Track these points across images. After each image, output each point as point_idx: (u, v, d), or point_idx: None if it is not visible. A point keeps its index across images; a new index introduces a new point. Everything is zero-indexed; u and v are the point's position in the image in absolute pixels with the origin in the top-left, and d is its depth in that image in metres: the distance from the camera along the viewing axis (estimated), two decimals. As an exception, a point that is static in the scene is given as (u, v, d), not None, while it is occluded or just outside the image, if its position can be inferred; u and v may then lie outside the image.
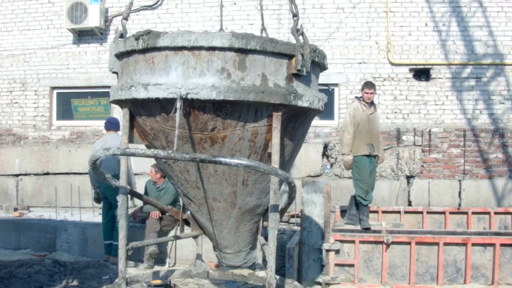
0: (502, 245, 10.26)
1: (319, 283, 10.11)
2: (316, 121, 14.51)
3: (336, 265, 10.30)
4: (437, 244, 10.19)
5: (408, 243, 10.20)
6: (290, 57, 5.27)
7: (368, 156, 10.81)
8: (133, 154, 4.90)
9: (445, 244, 10.21)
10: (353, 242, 10.27)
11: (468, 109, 14.60)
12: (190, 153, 5.13)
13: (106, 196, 11.36)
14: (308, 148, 14.25)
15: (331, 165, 14.41)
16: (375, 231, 10.67)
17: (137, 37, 5.24)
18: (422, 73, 14.89)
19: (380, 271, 10.27)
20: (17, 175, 16.06)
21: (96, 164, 5.59)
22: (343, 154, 11.06)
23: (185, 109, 5.15)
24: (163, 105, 5.22)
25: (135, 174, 14.24)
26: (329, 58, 14.05)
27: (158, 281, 9.43)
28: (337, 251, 10.26)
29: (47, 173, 15.81)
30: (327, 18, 14.94)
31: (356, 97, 11.33)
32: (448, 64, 14.69)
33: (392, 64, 14.79)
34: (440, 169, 14.33)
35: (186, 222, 7.30)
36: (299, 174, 13.92)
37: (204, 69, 5.06)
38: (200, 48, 5.01)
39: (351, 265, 10.31)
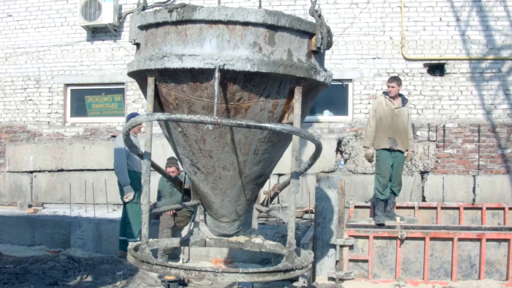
0: (517, 240, 10.23)
1: (333, 279, 10.10)
2: (330, 117, 14.56)
3: (350, 260, 10.30)
4: (451, 239, 10.16)
5: (423, 239, 10.18)
6: (310, 35, 5.61)
7: (389, 150, 10.78)
8: (180, 120, 5.19)
9: (460, 239, 10.18)
10: (367, 237, 10.26)
11: (483, 104, 14.52)
12: (236, 119, 5.36)
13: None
14: (322, 144, 14.16)
15: (345, 160, 14.36)
16: (389, 227, 10.64)
17: (170, 10, 5.38)
18: (436, 68, 14.81)
19: (394, 266, 10.25)
20: (31, 172, 16.09)
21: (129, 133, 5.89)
22: (364, 147, 11.12)
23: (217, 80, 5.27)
24: (195, 75, 5.37)
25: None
26: (343, 54, 14.22)
27: (172, 277, 9.49)
28: (351, 247, 10.26)
29: (61, 170, 15.83)
30: (341, 14, 14.88)
31: (383, 92, 11.36)
32: (462, 59, 14.61)
33: (406, 59, 14.72)
34: (454, 165, 14.25)
35: (186, 192, 7.25)
36: (313, 170, 13.83)
37: (238, 42, 5.27)
38: (235, 22, 5.24)
39: (365, 261, 10.30)
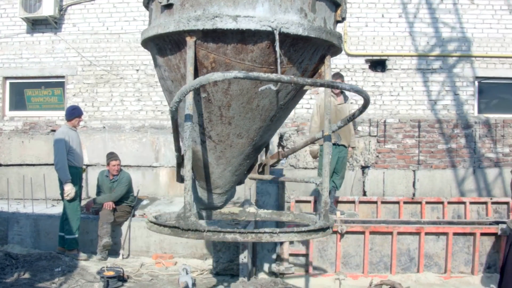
0: (455, 234, 10.36)
1: (274, 273, 10.09)
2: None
3: (291, 255, 10.30)
4: (390, 233, 10.25)
5: (362, 233, 10.24)
6: (337, 6, 5.93)
7: (333, 145, 10.83)
8: (257, 78, 5.05)
9: (399, 233, 10.27)
10: (308, 232, 10.25)
11: (423, 100, 14.69)
12: (311, 78, 5.74)
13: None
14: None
15: (287, 155, 14.36)
16: (329, 221, 10.68)
17: None
18: (378, 64, 14.93)
19: (334, 260, 10.29)
20: (-32, 167, 15.77)
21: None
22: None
23: (267, 42, 5.41)
24: (244, 38, 5.39)
25: (88, 165, 14.14)
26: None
27: (111, 273, 9.38)
28: (291, 241, 10.25)
29: None
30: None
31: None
32: (403, 55, 14.75)
33: (349, 55, 14.79)
34: (395, 159, 14.39)
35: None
36: (255, 164, 13.86)
37: (288, 7, 5.42)
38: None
39: (306, 255, 10.32)
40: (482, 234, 10.35)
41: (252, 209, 7.51)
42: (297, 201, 12.58)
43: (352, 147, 11.66)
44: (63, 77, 15.63)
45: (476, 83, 14.84)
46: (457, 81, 14.69)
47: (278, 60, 5.25)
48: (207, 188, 7.04)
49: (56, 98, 15.96)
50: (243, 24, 5.25)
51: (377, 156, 14.30)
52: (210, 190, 7.05)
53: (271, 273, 10.14)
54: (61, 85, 15.74)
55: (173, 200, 13.55)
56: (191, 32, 5.40)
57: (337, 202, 11.97)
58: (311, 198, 12.63)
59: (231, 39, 5.43)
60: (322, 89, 12.99)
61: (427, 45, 14.70)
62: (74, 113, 11.20)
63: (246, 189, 13.30)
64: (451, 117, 14.57)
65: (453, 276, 10.28)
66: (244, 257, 9.71)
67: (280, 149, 14.34)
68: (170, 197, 13.97)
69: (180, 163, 6.59)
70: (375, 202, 12.70)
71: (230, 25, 5.25)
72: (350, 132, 11.28)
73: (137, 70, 15.08)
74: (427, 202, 12.73)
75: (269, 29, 5.26)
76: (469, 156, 14.43)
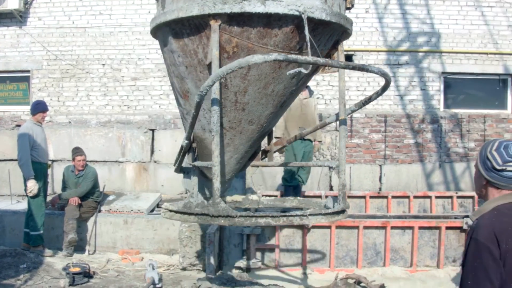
0: (420, 228, 10.45)
1: (241, 268, 10.10)
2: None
3: (257, 249, 10.33)
4: (357, 227, 10.30)
5: (329, 227, 10.28)
6: None
7: (299, 139, 10.84)
8: (295, 61, 5.03)
9: (365, 227, 10.33)
10: (274, 226, 10.26)
11: (389, 95, 14.74)
12: (343, 61, 5.83)
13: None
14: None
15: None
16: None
17: None
18: (345, 59, 14.92)
19: (301, 255, 10.31)
20: None
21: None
22: (276, 138, 11.11)
23: (292, 27, 5.47)
24: (269, 22, 5.40)
25: (54, 161, 14.02)
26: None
27: (77, 269, 9.31)
28: (258, 236, 10.26)
29: (-36, 160, 15.37)
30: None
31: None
32: (370, 51, 14.80)
33: (315, 50, 14.79)
34: (361, 154, 14.44)
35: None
36: (222, 159, 13.85)
37: None
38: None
39: (272, 250, 10.35)
40: (448, 228, 10.46)
41: (254, 196, 7.58)
42: (263, 195, 12.55)
43: (319, 141, 11.69)
44: (28, 71, 15.44)
45: (443, 78, 14.94)
46: (423, 76, 14.77)
47: (309, 44, 5.19)
48: (210, 176, 6.80)
49: (21, 92, 15.77)
50: (272, 8, 5.25)
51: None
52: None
53: (238, 268, 10.14)
54: (26, 79, 15.55)
55: (140, 195, 13.46)
56: (216, 16, 5.35)
57: (303, 196, 11.97)
58: (278, 193, 12.63)
59: (257, 23, 5.43)
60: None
61: (394, 40, 14.77)
62: (38, 108, 11.09)
63: (248, 177, 13.30)
64: (417, 112, 14.65)
65: (418, 269, 10.38)
66: (211, 252, 9.70)
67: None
68: (137, 192, 13.89)
69: (185, 152, 6.58)
70: (342, 197, 12.74)
71: (258, 8, 5.24)
72: (315, 126, 11.31)
73: (103, 64, 14.96)
74: (393, 197, 12.80)
75: (297, 13, 5.28)
76: (436, 151, 14.53)
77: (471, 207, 12.54)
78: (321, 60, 5.10)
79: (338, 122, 6.41)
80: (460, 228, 10.46)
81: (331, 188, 14.06)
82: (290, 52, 5.59)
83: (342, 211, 6.13)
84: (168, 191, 14.05)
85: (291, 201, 7.67)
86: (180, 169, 6.97)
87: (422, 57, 14.80)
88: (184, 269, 10.46)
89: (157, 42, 13.57)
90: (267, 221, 5.63)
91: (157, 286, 8.95)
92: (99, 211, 12.15)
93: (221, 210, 5.50)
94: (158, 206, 13.29)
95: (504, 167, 3.47)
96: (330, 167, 6.90)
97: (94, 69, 15.00)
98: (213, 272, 9.60)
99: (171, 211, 6.14)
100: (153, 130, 14.37)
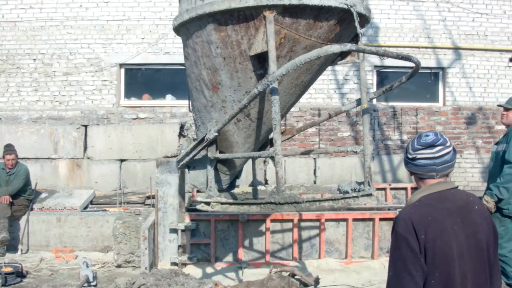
0: (354, 220, 10.54)
1: (176, 264, 10.04)
2: (172, 101, 14.47)
3: (192, 244, 10.28)
4: (291, 220, 10.32)
5: (263, 221, 10.28)
6: None
7: None
8: (363, 51, 5.74)
9: (299, 220, 10.35)
10: (208, 221, 10.24)
11: (323, 89, 14.83)
12: (390, 51, 6.02)
13: None
14: (164, 129, 14.09)
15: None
16: (230, 210, 10.70)
17: None
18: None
19: (236, 249, 10.30)
20: None
21: None
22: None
23: (335, 20, 5.86)
24: (318, 14, 5.69)
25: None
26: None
27: (9, 269, 9.13)
28: (192, 231, 10.22)
29: None
30: None
31: None
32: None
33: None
34: (295, 148, 14.51)
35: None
36: (156, 155, 13.75)
37: None
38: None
39: (207, 244, 10.30)
40: (381, 219, 10.58)
41: (262, 187, 7.87)
42: (198, 191, 12.53)
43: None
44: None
45: (375, 71, 15.10)
46: (356, 70, 14.90)
47: (360, 36, 5.77)
48: (223, 170, 7.26)
49: None
50: (325, 1, 5.54)
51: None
52: (226, 171, 7.31)
53: (174, 264, 10.08)
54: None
55: (73, 192, 13.30)
56: (272, 7, 5.50)
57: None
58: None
59: (308, 15, 5.67)
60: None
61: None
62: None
63: (147, 179, 13.23)
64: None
65: (353, 261, 10.46)
66: (145, 248, 9.63)
67: (181, 139, 14.26)
68: (70, 189, 13.69)
69: (208, 145, 6.68)
70: (277, 190, 12.76)
71: (314, 1, 5.50)
72: None
73: (34, 59, 14.66)
74: (327, 189, 12.88)
75: (345, 6, 5.65)
76: (369, 143, 14.66)
77: (405, 199, 12.70)
78: (381, 50, 5.92)
79: (361, 110, 6.64)
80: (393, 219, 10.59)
81: (266, 182, 14.07)
82: (327, 43, 5.86)
83: (368, 194, 6.23)
84: (102, 188, 13.89)
85: (298, 189, 7.80)
86: (185, 164, 7.18)
87: (359, 53, 14.89)
88: (119, 266, 10.37)
89: (89, 35, 13.39)
90: (330, 205, 5.99)
91: (92, 284, 8.85)
92: (32, 209, 11.97)
93: (287, 197, 5.66)
94: (91, 203, 13.16)
95: (414, 155, 3.57)
96: (354, 152, 7.08)
97: (25, 64, 14.69)
98: (148, 268, 9.52)
99: (222, 203, 6.15)
100: (86, 126, 14.16)
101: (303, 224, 10.45)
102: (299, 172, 14.25)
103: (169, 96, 14.85)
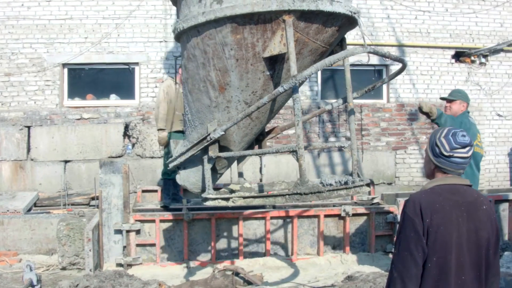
0: (299, 217, 10.59)
1: (121, 265, 9.98)
2: (116, 101, 14.35)
3: (138, 245, 10.23)
4: (236, 219, 10.33)
5: (208, 220, 10.28)
6: None
7: (182, 132, 10.77)
8: (375, 53, 6.32)
9: (244, 218, 10.38)
10: (153, 221, 10.21)
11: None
12: (387, 52, 6.66)
13: None
14: (109, 129, 13.97)
15: (133, 145, 14.19)
16: (175, 209, 10.67)
17: None
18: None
19: (182, 249, 10.27)
20: None
21: None
22: (158, 130, 11.04)
23: (338, 25, 6.41)
24: (327, 20, 6.18)
25: None
26: (129, 37, 13.98)
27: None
28: (137, 231, 10.18)
29: None
30: (127, -4, 14.69)
31: (169, 76, 11.31)
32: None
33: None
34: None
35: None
36: (100, 155, 13.63)
37: None
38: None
39: (153, 245, 10.27)
40: (326, 215, 10.64)
41: (247, 184, 7.90)
42: (143, 191, 12.50)
43: None
44: None
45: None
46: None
47: (365, 39, 6.43)
48: (218, 168, 7.49)
49: None
50: (336, 8, 6.06)
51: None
52: (219, 169, 7.57)
53: (119, 265, 10.01)
54: None
55: (16, 194, 13.09)
56: (291, 12, 5.88)
57: (183, 190, 11.93)
58: (158, 188, 12.55)
59: (319, 20, 6.14)
60: (166, 76, 13.01)
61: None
62: None
63: (91, 180, 13.12)
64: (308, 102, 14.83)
65: (299, 258, 10.52)
66: (89, 250, 9.55)
67: (126, 139, 14.17)
68: (13, 191, 13.47)
69: (212, 143, 6.83)
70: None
71: (328, 7, 5.99)
72: None
73: (-26, 59, 14.45)
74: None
75: (349, 13, 6.22)
76: (314, 141, 14.76)
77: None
78: (381, 52, 6.44)
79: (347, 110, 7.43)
80: (339, 216, 10.67)
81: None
82: (325, 46, 6.49)
83: (363, 185, 6.57)
84: (46, 190, 13.71)
85: (279, 185, 8.32)
86: (177, 165, 7.42)
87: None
88: (64, 268, 10.26)
89: (31, 35, 13.23)
90: (345, 192, 6.28)
91: (36, 287, 8.73)
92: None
93: (311, 188, 6.01)
94: (35, 205, 12.98)
95: (451, 153, 3.73)
96: (343, 147, 7.60)
97: (-35, 63, 14.45)
98: (92, 270, 9.45)
99: (245, 197, 6.41)
100: (29, 127, 13.95)
101: (248, 222, 10.48)
102: (245, 170, 14.10)
103: (113, 96, 14.71)
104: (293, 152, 6.13)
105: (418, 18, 15.60)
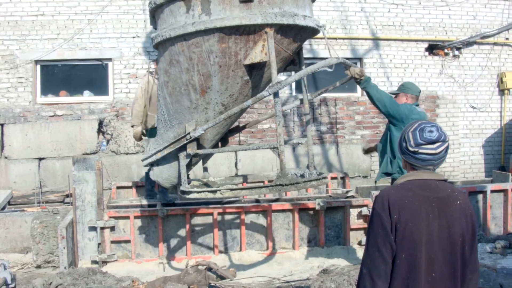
0: (274, 211, 10.57)
1: (96, 262, 9.93)
2: (90, 97, 14.33)
3: (113, 242, 10.19)
4: (211, 214, 10.32)
5: (183, 215, 10.25)
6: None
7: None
8: (343, 62, 7.71)
9: (219, 213, 10.36)
10: (128, 218, 10.17)
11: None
12: (343, 58, 7.76)
13: None
14: (83, 125, 13.90)
15: (108, 141, 14.14)
16: (149, 205, 10.66)
17: None
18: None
19: (157, 245, 10.25)
20: None
21: None
22: (133, 126, 11.02)
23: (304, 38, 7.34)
24: (298, 32, 6.98)
25: None
26: (102, 33, 13.94)
27: None
28: (112, 228, 10.14)
29: None
30: (99, -8, 14.61)
31: (149, 71, 11.26)
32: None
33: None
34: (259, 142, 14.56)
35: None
36: (75, 152, 13.57)
37: (308, 6, 7.13)
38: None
39: (128, 241, 10.22)
40: (301, 209, 10.64)
41: (211, 178, 8.64)
42: (118, 187, 12.44)
43: None
44: None
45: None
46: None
47: (329, 48, 8.74)
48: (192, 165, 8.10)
49: None
50: (308, 22, 6.87)
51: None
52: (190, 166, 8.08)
53: (94, 262, 9.97)
54: None
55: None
56: (273, 25, 6.60)
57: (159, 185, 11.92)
58: (131, 184, 12.52)
59: (292, 33, 6.91)
60: (141, 72, 12.96)
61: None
62: None
63: (66, 177, 13.05)
64: (270, 97, 14.81)
65: (275, 252, 10.51)
66: (63, 248, 9.50)
67: (100, 136, 14.11)
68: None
69: (191, 141, 7.40)
70: (201, 184, 12.75)
71: (302, 22, 6.78)
72: None
73: None
74: (248, 182, 12.89)
75: (317, 27, 7.11)
76: (287, 135, 14.78)
77: (324, 188, 12.79)
78: (347, 61, 7.87)
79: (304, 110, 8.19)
80: (313, 210, 10.68)
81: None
82: (293, 56, 7.39)
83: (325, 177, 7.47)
84: (20, 188, 13.63)
85: (238, 179, 9.21)
86: (151, 162, 8.01)
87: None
88: (38, 266, 10.20)
89: (3, 31, 13.18)
90: (318, 183, 7.32)
91: (10, 286, 8.65)
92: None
93: (291, 179, 6.87)
94: (9, 203, 12.89)
95: (416, 149, 3.65)
96: (299, 143, 8.69)
97: None
98: (67, 267, 9.40)
99: (233, 190, 7.27)
100: (2, 125, 13.86)
101: (223, 217, 10.46)
102: (220, 165, 14.22)
103: (86, 92, 14.65)
104: (274, 148, 6.98)
105: (392, 11, 15.69)
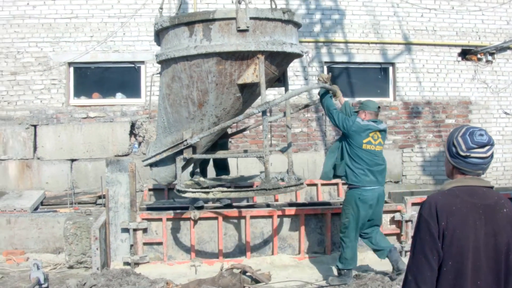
0: (306, 215, 10.54)
1: (129, 263, 9.96)
2: (122, 100, 14.38)
3: (145, 244, 10.21)
4: (244, 217, 10.31)
5: (215, 218, 10.26)
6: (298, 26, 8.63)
7: None
8: (324, 87, 9.10)
9: (252, 217, 10.34)
10: (160, 220, 10.18)
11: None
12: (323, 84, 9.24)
13: None
14: (115, 127, 13.98)
15: (139, 143, 14.19)
16: (181, 208, 10.65)
17: (284, 11, 7.88)
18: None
19: (189, 247, 10.26)
20: None
21: None
22: None
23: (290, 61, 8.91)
24: (285, 57, 8.25)
25: None
26: (135, 36, 13.98)
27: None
28: (144, 230, 10.16)
29: None
30: (133, -5, 14.67)
31: None
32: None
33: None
34: (247, 145, 14.51)
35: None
36: (107, 154, 13.64)
37: (294, 34, 8.40)
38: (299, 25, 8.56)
39: (160, 243, 10.24)
40: (333, 214, 10.58)
41: (201, 179, 9.31)
42: (150, 190, 12.47)
43: None
44: None
45: (326, 67, 15.12)
46: (306, 66, 14.92)
47: (307, 70, 9.54)
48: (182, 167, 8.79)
49: None
50: (294, 49, 8.09)
51: (230, 142, 14.32)
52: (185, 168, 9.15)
53: (126, 264, 10.00)
54: None
55: (23, 193, 13.11)
56: (264, 52, 7.74)
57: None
58: (165, 186, 12.52)
59: (280, 58, 8.11)
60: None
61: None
62: None
63: (98, 179, 13.10)
64: (301, 101, 14.79)
65: (307, 256, 10.47)
66: (96, 249, 9.54)
67: (132, 138, 14.15)
68: (20, 190, 13.50)
69: (188, 147, 8.52)
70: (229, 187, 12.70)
71: (289, 49, 7.99)
72: None
73: (-19, 59, 14.45)
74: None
75: (302, 54, 8.49)
76: (321, 139, 14.76)
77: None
78: (327, 86, 9.11)
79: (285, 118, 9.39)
80: (346, 214, 10.63)
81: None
82: (278, 76, 8.81)
83: (297, 185, 8.63)
84: (53, 188, 13.73)
85: (225, 179, 10.00)
86: (151, 163, 8.99)
87: (305, 47, 14.94)
88: (71, 267, 10.25)
89: (37, 34, 13.26)
90: (296, 188, 8.72)
91: (43, 286, 8.70)
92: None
93: (274, 184, 8.06)
94: (42, 204, 12.99)
95: (468, 154, 3.56)
96: (281, 151, 9.58)
97: (-28, 64, 14.46)
98: (99, 268, 9.43)
99: (223, 191, 8.30)
100: (35, 126, 13.98)
101: (256, 220, 10.44)
102: (251, 169, 14.16)
103: (119, 95, 14.73)
104: (260, 157, 8.13)
105: (424, 16, 15.59)
